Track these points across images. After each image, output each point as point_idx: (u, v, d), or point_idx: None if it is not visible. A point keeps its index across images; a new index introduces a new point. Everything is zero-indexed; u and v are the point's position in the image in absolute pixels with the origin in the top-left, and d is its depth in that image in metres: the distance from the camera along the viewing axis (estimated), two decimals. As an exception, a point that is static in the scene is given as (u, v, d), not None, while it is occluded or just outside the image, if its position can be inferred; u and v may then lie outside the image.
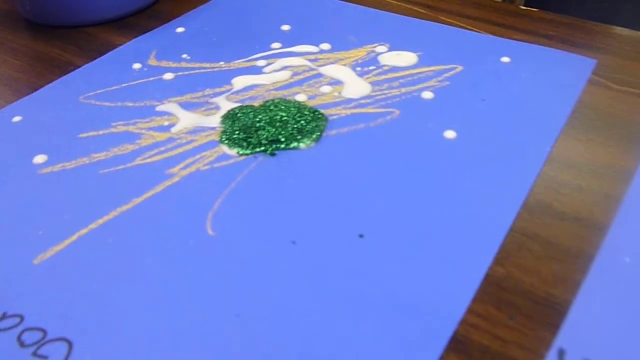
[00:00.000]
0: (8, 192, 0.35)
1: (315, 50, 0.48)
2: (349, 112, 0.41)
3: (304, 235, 0.31)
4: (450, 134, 0.38)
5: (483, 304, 0.28)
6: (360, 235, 0.31)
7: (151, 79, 0.46)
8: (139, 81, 0.45)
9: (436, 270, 0.29)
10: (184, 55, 0.48)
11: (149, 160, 0.37)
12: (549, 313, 0.27)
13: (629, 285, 0.28)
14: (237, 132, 0.39)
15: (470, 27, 0.51)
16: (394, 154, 0.37)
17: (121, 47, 0.50)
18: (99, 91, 0.44)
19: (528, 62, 0.46)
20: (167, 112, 0.42)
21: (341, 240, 0.31)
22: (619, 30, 0.50)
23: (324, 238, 0.31)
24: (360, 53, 0.47)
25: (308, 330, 0.26)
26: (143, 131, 0.40)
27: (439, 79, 0.44)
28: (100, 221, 0.33)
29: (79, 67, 0.48)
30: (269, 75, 0.45)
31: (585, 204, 0.33)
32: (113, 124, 0.41)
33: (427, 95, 0.42)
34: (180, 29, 0.52)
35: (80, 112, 0.42)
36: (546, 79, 0.44)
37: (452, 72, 0.44)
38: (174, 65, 0.47)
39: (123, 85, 0.45)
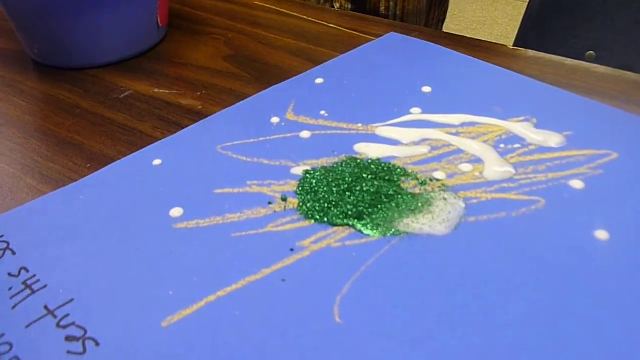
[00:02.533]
0: (143, 245, 0.35)
1: (457, 123, 0.45)
2: (489, 196, 0.37)
3: (431, 330, 0.29)
4: (602, 234, 0.34)
5: None
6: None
7: (288, 135, 0.44)
8: (276, 136, 0.44)
9: None
10: (322, 112, 0.47)
11: (280, 228, 0.36)
12: None
13: None
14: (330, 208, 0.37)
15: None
16: (537, 253, 0.33)
17: (258, 94, 0.50)
18: (236, 142, 0.44)
19: None
20: (301, 176, 0.40)
21: (463, 342, 0.28)
22: (592, 66, 0.53)
23: (450, 337, 0.29)
24: (503, 128, 0.44)
25: None
26: (277, 194, 0.38)
27: (591, 165, 0.40)
28: (229, 289, 0.32)
29: (85, 109, 0.50)
30: (407, 148, 0.42)
31: None
32: (248, 182, 0.40)
33: (577, 184, 0.38)
34: (319, 80, 0.51)
35: (217, 164, 0.42)
36: None
37: (605, 159, 0.40)
38: (312, 122, 0.46)
39: (260, 139, 0.44)
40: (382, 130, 0.44)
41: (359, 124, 0.45)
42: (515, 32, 1.01)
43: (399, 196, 0.37)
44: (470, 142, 0.42)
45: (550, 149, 0.41)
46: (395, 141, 0.43)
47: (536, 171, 0.39)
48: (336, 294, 0.31)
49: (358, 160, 0.41)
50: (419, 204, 0.37)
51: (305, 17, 0.65)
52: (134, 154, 0.43)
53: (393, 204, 0.37)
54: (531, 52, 0.56)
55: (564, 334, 0.28)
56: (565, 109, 0.46)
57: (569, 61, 0.54)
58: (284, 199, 0.38)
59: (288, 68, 0.55)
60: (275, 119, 0.46)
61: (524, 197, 0.37)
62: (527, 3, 0.98)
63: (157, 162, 0.42)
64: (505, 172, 0.39)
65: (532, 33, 0.97)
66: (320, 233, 0.35)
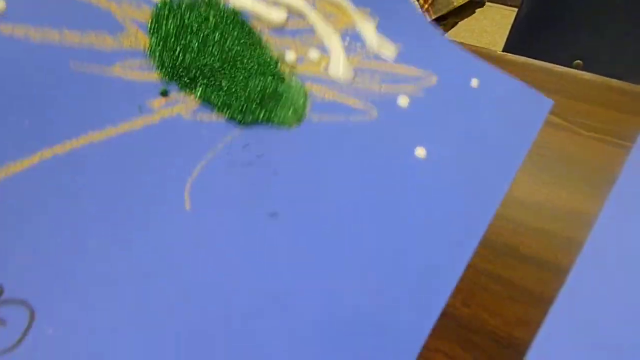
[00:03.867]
0: None
1: None
2: (331, 96, 0.40)
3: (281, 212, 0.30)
4: (421, 152, 0.39)
5: (449, 342, 0.29)
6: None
7: None
8: None
9: (394, 302, 0.29)
10: None
11: (129, 75, 0.32)
12: (511, 354, 0.29)
13: (587, 327, 0.30)
14: (180, 71, 0.34)
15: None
16: (367, 165, 0.36)
17: None
18: None
19: (494, 90, 0.47)
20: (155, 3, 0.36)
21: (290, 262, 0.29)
22: (579, 74, 0.53)
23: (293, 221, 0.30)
24: (351, 18, 0.46)
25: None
26: (127, 21, 0.34)
27: (416, 86, 0.44)
28: (68, 145, 0.28)
29: None
30: (265, 8, 0.42)
31: (548, 247, 0.35)
32: None
33: (404, 101, 0.42)
34: None
35: None
36: (508, 113, 0.45)
37: (427, 83, 0.44)
38: None
39: None
40: None
41: None
42: (504, 41, 1.01)
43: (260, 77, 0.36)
44: (322, 24, 0.44)
45: (384, 60, 0.45)
46: None
47: (372, 80, 0.42)
48: (187, 177, 0.30)
49: (221, 6, 0.38)
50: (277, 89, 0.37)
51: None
52: None
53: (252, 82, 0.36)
54: (521, 58, 0.56)
55: (378, 242, 0.31)
56: (404, 22, 0.49)
57: (557, 67, 0.54)
58: (163, 93, 0.33)
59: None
60: None
61: (361, 106, 0.40)
62: (515, 12, 0.98)
63: None
64: (347, 74, 0.42)
65: (520, 42, 0.98)
66: (172, 96, 0.32)
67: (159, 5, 0.36)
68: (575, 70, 0.54)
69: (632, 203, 0.38)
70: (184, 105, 0.33)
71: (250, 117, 0.34)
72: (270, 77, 0.37)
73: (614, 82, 0.52)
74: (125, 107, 0.31)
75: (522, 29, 0.97)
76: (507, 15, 2.39)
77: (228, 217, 0.29)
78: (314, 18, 0.43)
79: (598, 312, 0.31)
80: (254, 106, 0.34)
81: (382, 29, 0.47)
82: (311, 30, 0.43)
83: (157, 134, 0.31)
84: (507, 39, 0.98)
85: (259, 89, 0.35)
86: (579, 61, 0.96)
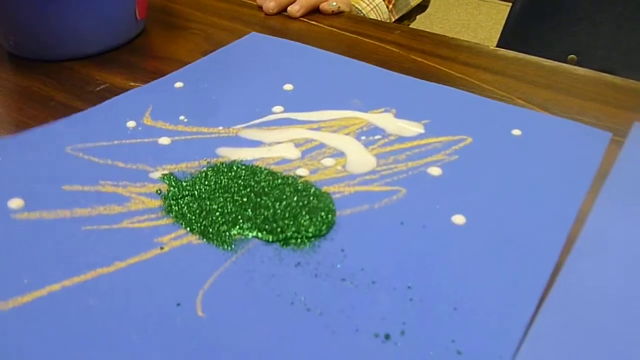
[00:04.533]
0: None
1: (319, 119, 0.45)
2: (352, 189, 0.38)
3: (298, 329, 0.29)
4: (459, 219, 0.35)
5: None
6: (378, 335, 0.28)
7: (146, 140, 0.43)
8: (133, 141, 0.42)
9: None
10: (182, 117, 0.45)
11: (137, 225, 0.35)
12: None
13: (579, 323, 0.29)
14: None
15: (441, 66, 0.53)
16: (400, 242, 0.34)
17: (116, 98, 0.48)
18: (88, 145, 0.42)
19: (541, 135, 0.43)
20: (160, 180, 0.39)
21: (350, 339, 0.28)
22: (572, 68, 0.52)
23: (318, 333, 0.28)
24: (364, 120, 0.45)
25: None
26: (133, 195, 0.37)
27: (447, 151, 0.42)
28: (76, 279, 0.30)
29: (59, 102, 0.49)
30: (270, 149, 0.42)
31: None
32: (101, 182, 0.38)
33: (435, 171, 0.39)
34: (178, 84, 0.50)
35: (66, 163, 0.40)
36: (560, 156, 0.41)
37: (461, 144, 0.42)
38: (171, 127, 0.44)
39: (115, 142, 0.42)
40: (245, 132, 0.44)
41: (220, 127, 0.44)
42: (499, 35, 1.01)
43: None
44: (332, 135, 0.43)
45: (409, 138, 0.43)
46: (258, 142, 0.43)
47: (397, 161, 0.40)
48: (198, 288, 0.30)
49: (221, 166, 0.40)
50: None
51: (286, 14, 0.65)
52: None
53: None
54: (512, 53, 0.56)
55: (430, 314, 0.29)
56: (423, 98, 0.48)
57: (549, 62, 0.54)
58: (159, 192, 0.37)
59: (268, 64, 0.54)
60: (131, 124, 0.44)
61: (386, 188, 0.38)
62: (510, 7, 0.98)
63: None
64: (367, 164, 0.40)
65: (514, 37, 0.97)
66: (180, 231, 0.34)
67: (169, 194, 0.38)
68: (568, 65, 0.53)
69: (624, 198, 0.38)
70: (194, 235, 0.34)
71: (281, 236, 0.34)
72: (289, 192, 0.37)
73: (607, 76, 0.52)
74: (134, 245, 0.33)
75: (516, 24, 0.97)
76: (502, 10, 2.39)
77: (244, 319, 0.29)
78: (322, 137, 0.43)
79: (590, 307, 0.30)
80: (282, 224, 0.34)
81: (401, 115, 0.45)
82: (321, 146, 0.42)
83: (168, 260, 0.32)
84: (501, 34, 0.98)
85: (283, 205, 0.36)
86: (572, 56, 0.96)
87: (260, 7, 0.66)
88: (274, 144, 0.42)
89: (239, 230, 0.34)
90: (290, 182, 0.38)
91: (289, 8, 0.64)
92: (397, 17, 0.81)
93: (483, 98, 0.47)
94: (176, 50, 0.57)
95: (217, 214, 0.35)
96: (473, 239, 0.34)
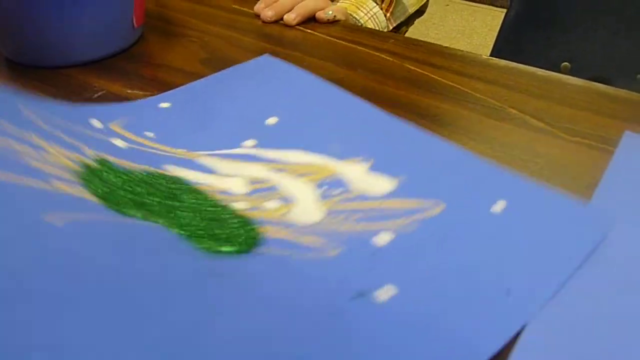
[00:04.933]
0: None
1: (287, 160, 0.42)
2: (282, 235, 0.34)
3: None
4: (381, 294, 0.30)
5: None
6: None
7: (101, 136, 0.42)
8: (88, 132, 0.41)
9: None
10: (149, 133, 0.44)
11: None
12: None
13: (569, 334, 0.30)
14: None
15: (434, 75, 0.54)
16: (284, 307, 0.29)
17: (99, 105, 0.47)
18: (43, 112, 0.40)
19: (525, 217, 0.35)
20: (91, 158, 0.37)
21: None
22: (563, 77, 0.53)
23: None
24: (333, 170, 0.40)
25: None
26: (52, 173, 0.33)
27: (409, 219, 0.35)
28: None
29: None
30: (218, 178, 0.40)
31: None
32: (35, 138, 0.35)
33: (382, 239, 0.34)
34: (165, 104, 0.48)
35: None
36: (543, 246, 0.34)
37: (429, 212, 0.36)
38: (133, 137, 0.43)
39: (70, 124, 0.40)
40: (203, 159, 0.42)
41: (184, 150, 0.43)
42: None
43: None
44: (290, 180, 0.40)
45: (373, 198, 0.38)
46: (210, 170, 0.41)
47: (346, 220, 0.36)
48: None
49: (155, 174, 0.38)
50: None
51: (282, 22, 0.65)
52: None
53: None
54: (505, 63, 0.57)
55: None
56: (411, 149, 0.42)
57: (541, 72, 0.55)
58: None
59: (263, 72, 0.55)
60: (96, 123, 0.43)
61: (318, 244, 0.34)
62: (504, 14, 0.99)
63: None
64: (312, 217, 0.36)
65: (508, 44, 0.98)
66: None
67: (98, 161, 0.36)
68: (559, 74, 0.54)
69: (613, 208, 0.39)
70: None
71: (196, 243, 0.32)
72: (212, 209, 0.36)
73: (599, 86, 0.52)
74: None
75: (510, 32, 0.98)
76: (497, 16, 2.40)
77: None
78: (279, 179, 0.40)
79: (578, 318, 0.31)
80: (198, 233, 0.33)
81: (379, 167, 0.40)
82: (274, 188, 0.39)
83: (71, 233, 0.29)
84: (495, 41, 0.98)
85: (202, 218, 0.35)
86: (566, 63, 0.97)
87: (257, 16, 0.66)
88: (226, 176, 0.40)
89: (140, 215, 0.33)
90: (215, 204, 0.37)
91: (285, 16, 0.65)
92: (395, 25, 0.82)
93: (478, 157, 0.41)
94: (173, 58, 0.57)
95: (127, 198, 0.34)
96: (389, 324, 0.29)
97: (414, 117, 0.48)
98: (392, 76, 0.54)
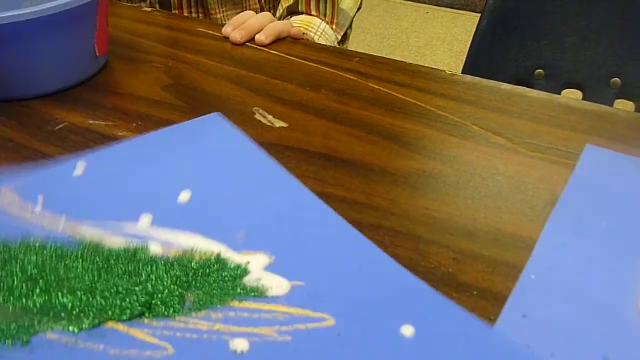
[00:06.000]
0: None
1: (171, 241, 0.38)
2: (122, 328, 0.33)
3: None
4: None
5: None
6: None
7: None
8: None
9: None
10: (40, 197, 0.42)
11: None
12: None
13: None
14: None
15: (397, 93, 0.54)
16: None
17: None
18: None
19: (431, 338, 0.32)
20: None
21: None
22: (526, 91, 0.53)
23: None
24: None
25: None
26: None
27: (285, 328, 0.32)
28: None
29: (18, 143, 0.49)
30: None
31: (487, 274, 0.35)
32: None
33: (238, 345, 0.31)
34: (77, 172, 0.45)
35: None
36: None
37: (312, 325, 0.32)
38: (16, 200, 0.42)
39: None
40: (83, 229, 0.39)
41: (63, 217, 0.40)
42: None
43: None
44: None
45: (259, 300, 0.34)
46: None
47: (205, 318, 0.33)
48: None
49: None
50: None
51: (248, 44, 0.65)
52: None
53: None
54: (469, 78, 0.57)
55: None
56: (318, 254, 0.37)
57: (505, 86, 0.55)
58: None
59: (227, 97, 0.55)
60: None
61: (153, 340, 0.32)
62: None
63: None
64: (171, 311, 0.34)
65: (482, 54, 0.99)
66: None
67: None
68: (522, 88, 0.54)
69: (571, 223, 0.39)
70: None
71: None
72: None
73: (561, 98, 0.53)
74: None
75: (483, 41, 0.98)
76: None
77: None
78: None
79: (535, 336, 0.31)
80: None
81: (278, 267, 0.36)
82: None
83: None
84: (469, 51, 0.99)
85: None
86: (540, 70, 0.97)
87: (226, 37, 0.66)
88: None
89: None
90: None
91: (256, 37, 0.65)
92: (342, 34, 0.83)
93: (397, 266, 0.36)
94: (137, 86, 0.57)
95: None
96: None
97: (377, 137, 0.48)
98: (356, 96, 0.54)
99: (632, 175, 0.43)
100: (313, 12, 0.80)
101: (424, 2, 2.64)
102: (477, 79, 0.56)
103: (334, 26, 0.81)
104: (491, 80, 0.56)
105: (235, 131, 0.49)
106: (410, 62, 0.60)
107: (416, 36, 2.36)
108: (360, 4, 0.88)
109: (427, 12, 2.57)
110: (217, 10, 0.83)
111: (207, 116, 0.51)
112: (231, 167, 0.45)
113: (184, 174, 0.44)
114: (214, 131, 0.49)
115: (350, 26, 0.87)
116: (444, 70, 0.58)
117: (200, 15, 0.84)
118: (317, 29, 0.77)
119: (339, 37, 0.83)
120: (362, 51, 0.63)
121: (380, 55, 0.62)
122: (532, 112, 0.51)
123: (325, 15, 0.80)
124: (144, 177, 0.44)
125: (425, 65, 0.59)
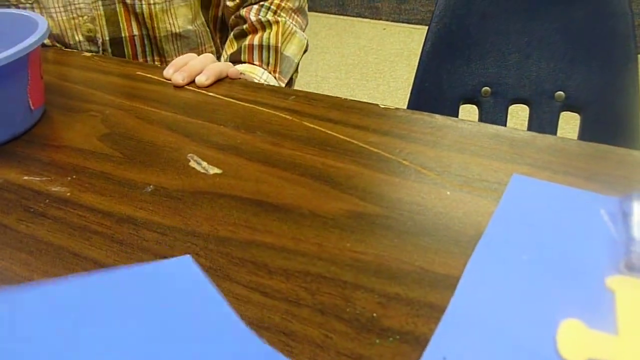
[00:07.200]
0: None
1: None
2: None
3: None
4: None
5: None
6: None
7: None
8: None
9: None
10: None
11: None
12: None
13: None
14: None
15: (331, 131, 0.55)
16: None
17: None
18: None
19: None
20: None
21: None
22: (456, 122, 0.54)
23: None
24: None
25: None
26: None
27: None
28: None
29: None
30: None
31: (410, 317, 0.36)
32: None
33: None
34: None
35: None
36: None
37: None
38: None
39: None
40: None
41: None
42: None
43: None
44: None
45: None
46: None
47: None
48: None
49: None
50: None
51: (187, 86, 0.66)
52: None
53: None
54: (402, 111, 0.58)
55: None
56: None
57: (437, 117, 0.56)
58: None
59: (162, 144, 0.55)
60: None
61: None
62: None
63: None
64: None
65: (429, 75, 1.00)
66: None
67: None
68: (452, 119, 0.55)
69: (493, 258, 0.39)
70: None
71: None
72: None
73: (490, 127, 0.54)
74: None
75: (429, 62, 1.00)
76: (433, 36, 2.45)
77: None
78: None
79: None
80: None
81: None
82: None
83: None
84: (416, 74, 1.00)
85: None
86: (487, 88, 0.99)
87: (168, 80, 0.67)
88: None
89: None
90: None
91: (196, 79, 0.65)
92: (286, 81, 0.83)
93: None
94: (73, 137, 0.57)
95: None
96: None
97: (308, 179, 0.48)
98: (289, 136, 0.54)
99: (555, 204, 0.44)
100: (255, 62, 0.80)
101: (381, 19, 2.67)
102: (409, 111, 0.57)
103: (277, 75, 0.81)
104: (425, 112, 0.57)
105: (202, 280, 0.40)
106: (369, 80, 0.61)
107: (375, 53, 2.38)
108: (306, 47, 0.89)
109: (385, 29, 2.60)
110: (174, 57, 0.84)
111: (181, 258, 0.42)
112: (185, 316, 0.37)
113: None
114: (185, 279, 0.40)
115: (296, 70, 0.88)
116: (377, 105, 0.59)
117: (157, 62, 0.85)
118: (259, 77, 0.78)
119: (283, 85, 0.83)
120: (321, 71, 0.63)
121: (338, 74, 0.62)
122: (462, 144, 0.52)
123: (268, 65, 0.80)
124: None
125: (385, 81, 0.60)
